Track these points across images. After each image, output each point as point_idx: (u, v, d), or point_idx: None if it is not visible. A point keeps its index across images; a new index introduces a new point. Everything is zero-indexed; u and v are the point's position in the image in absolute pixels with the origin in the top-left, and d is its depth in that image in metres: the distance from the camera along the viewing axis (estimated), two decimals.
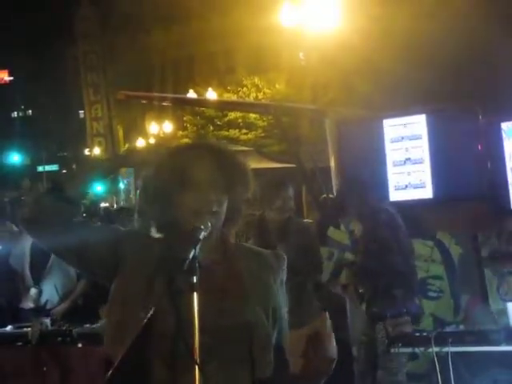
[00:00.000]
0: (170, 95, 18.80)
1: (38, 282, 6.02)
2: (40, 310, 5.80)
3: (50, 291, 6.01)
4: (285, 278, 2.24)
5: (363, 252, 5.04)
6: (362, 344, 5.06)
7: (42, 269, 6.04)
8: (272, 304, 2.14)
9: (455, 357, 4.34)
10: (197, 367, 1.92)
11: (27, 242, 6.18)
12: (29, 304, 5.93)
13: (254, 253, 2.26)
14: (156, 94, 20.20)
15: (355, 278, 5.08)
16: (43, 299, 5.98)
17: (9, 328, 5.03)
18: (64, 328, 4.81)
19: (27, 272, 6.08)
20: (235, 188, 2.15)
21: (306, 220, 7.17)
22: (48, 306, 5.96)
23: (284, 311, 2.20)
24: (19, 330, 4.92)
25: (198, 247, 1.97)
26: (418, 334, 4.57)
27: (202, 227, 2.03)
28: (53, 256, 6.03)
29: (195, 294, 1.92)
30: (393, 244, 4.94)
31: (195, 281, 1.93)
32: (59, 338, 4.73)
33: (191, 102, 17.91)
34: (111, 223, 8.31)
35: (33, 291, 5.95)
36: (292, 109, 11.28)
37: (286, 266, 2.25)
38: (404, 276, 4.95)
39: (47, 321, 4.88)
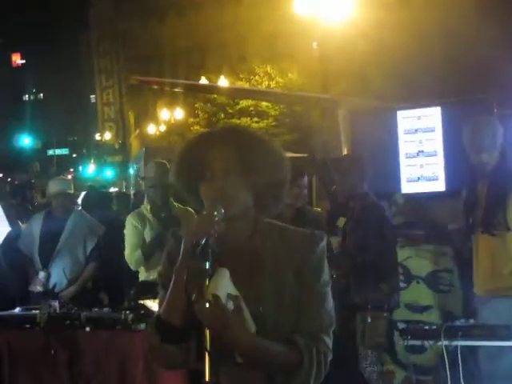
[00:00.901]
0: (181, 81, 18.71)
1: (46, 265, 6.02)
2: (48, 294, 5.80)
3: (58, 275, 6.02)
4: (318, 256, 2.15)
5: (353, 242, 5.00)
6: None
7: (50, 252, 6.05)
8: (288, 290, 2.10)
9: (464, 351, 4.32)
10: (207, 354, 1.91)
11: (36, 226, 6.19)
12: (37, 287, 5.93)
13: (283, 234, 2.19)
14: (168, 80, 20.17)
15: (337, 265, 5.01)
16: (51, 283, 5.99)
17: (17, 310, 5.04)
18: (72, 311, 4.81)
19: (36, 255, 6.09)
20: (256, 171, 2.11)
21: (316, 209, 7.17)
22: (56, 290, 5.97)
23: (312, 294, 2.13)
24: (28, 313, 4.92)
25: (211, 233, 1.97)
26: (427, 327, 4.54)
27: (215, 213, 2.02)
28: (61, 240, 6.05)
29: (207, 279, 1.92)
30: (382, 237, 4.91)
31: (208, 267, 1.92)
32: (67, 322, 4.72)
33: (203, 88, 17.84)
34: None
35: (41, 274, 5.97)
36: (304, 98, 11.25)
37: (322, 244, 2.16)
38: (389, 270, 4.94)
39: (56, 304, 4.87)
